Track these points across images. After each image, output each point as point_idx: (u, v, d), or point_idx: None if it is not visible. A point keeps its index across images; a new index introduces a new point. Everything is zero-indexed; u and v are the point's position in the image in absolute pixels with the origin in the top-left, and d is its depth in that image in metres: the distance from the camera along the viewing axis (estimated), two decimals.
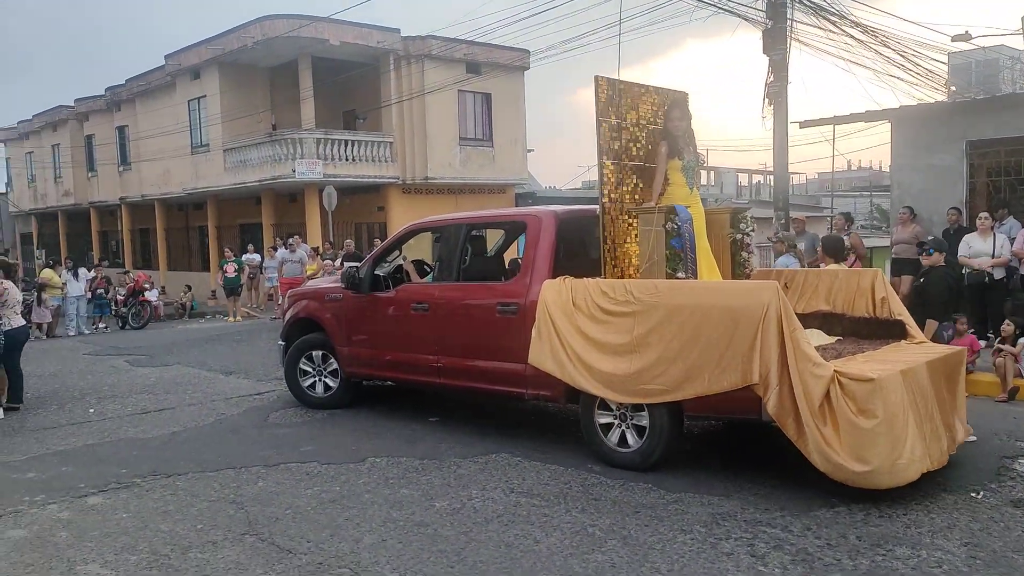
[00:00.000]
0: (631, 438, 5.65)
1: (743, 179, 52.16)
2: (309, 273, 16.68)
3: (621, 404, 5.61)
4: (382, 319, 7.36)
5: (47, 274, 17.93)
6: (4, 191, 39.89)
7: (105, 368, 11.57)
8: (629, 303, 5.47)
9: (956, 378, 5.60)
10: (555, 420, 7.33)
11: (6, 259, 9.69)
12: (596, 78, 6.21)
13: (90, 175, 33.66)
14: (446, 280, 7.05)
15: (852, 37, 15.52)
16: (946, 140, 11.16)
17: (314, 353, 7.95)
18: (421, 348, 6.96)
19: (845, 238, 10.20)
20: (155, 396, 9.06)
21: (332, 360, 7.83)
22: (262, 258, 20.41)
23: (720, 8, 13.94)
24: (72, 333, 17.51)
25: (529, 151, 27.57)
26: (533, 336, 5.91)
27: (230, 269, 19.44)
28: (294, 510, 5.05)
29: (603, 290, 5.66)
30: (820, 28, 14.86)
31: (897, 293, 6.78)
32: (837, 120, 12.90)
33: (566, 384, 5.80)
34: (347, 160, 22.41)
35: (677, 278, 5.79)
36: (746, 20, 13.78)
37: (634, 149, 6.49)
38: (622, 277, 6.16)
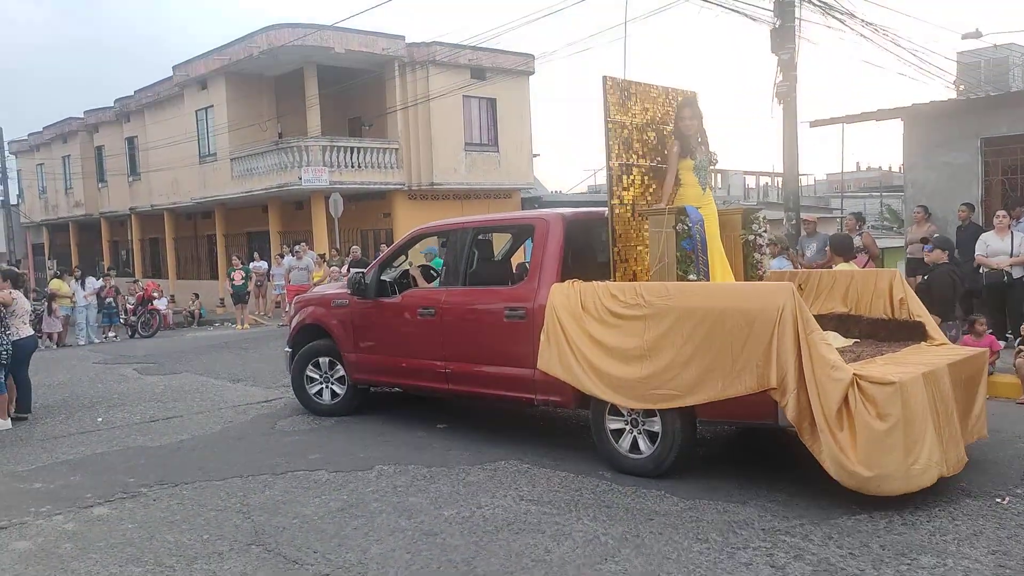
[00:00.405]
0: (643, 444, 5.53)
1: (751, 181, 51.92)
2: (316, 280, 16.65)
3: (632, 409, 5.49)
4: (389, 325, 7.27)
5: (56, 284, 17.97)
6: (16, 202, 40.12)
7: (114, 377, 11.52)
8: (640, 306, 5.35)
9: (978, 381, 5.46)
10: (565, 426, 7.22)
11: (15, 269, 9.65)
12: (604, 78, 6.11)
13: (100, 186, 33.82)
14: (453, 285, 6.96)
15: (861, 36, 15.43)
16: (960, 138, 11.01)
17: (321, 360, 7.87)
18: (428, 354, 6.87)
19: (857, 237, 10.07)
20: (163, 404, 9.00)
21: (339, 367, 7.74)
22: (269, 265, 20.40)
23: (728, 8, 13.84)
24: (82, 342, 17.52)
25: (535, 155, 27.51)
26: (542, 341, 5.80)
27: (237, 277, 19.47)
28: (301, 519, 4.96)
29: (613, 293, 5.54)
30: (829, 27, 14.77)
31: None
32: (848, 119, 12.77)
33: (576, 389, 5.69)
34: (353, 167, 22.40)
35: (688, 280, 5.67)
36: (753, 20, 13.68)
37: (644, 150, 6.38)
38: (632, 280, 6.05)
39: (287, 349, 8.28)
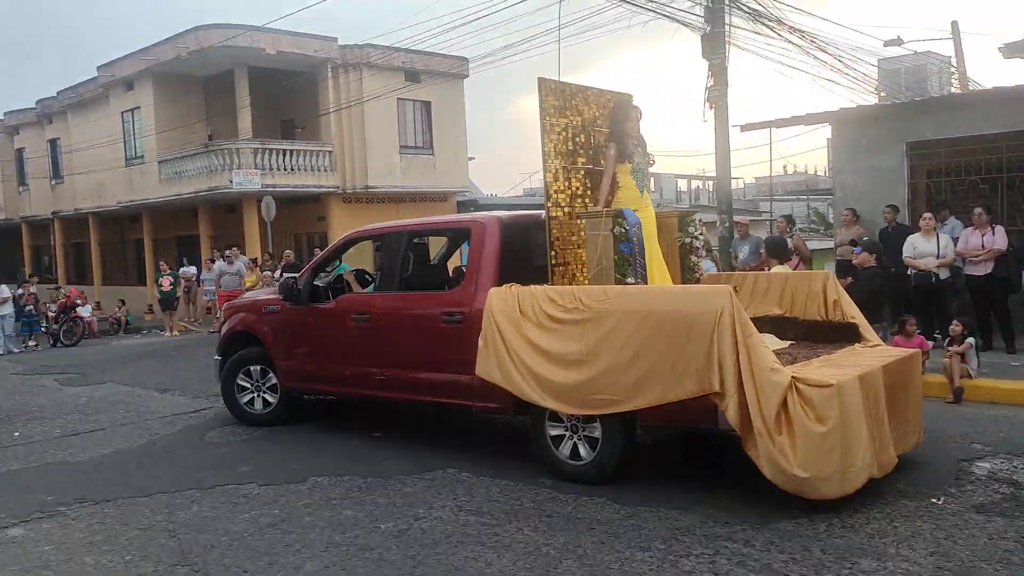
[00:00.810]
0: (583, 450, 5.45)
1: (683, 184, 52.78)
2: (248, 285, 16.23)
3: (572, 415, 5.40)
4: (322, 331, 7.05)
5: None
6: None
7: (33, 388, 11.01)
8: (578, 310, 5.27)
9: (913, 383, 5.53)
10: (504, 433, 7.10)
11: None
12: (540, 80, 6.02)
13: (21, 189, 32.50)
14: (388, 290, 6.79)
15: (789, 42, 15.77)
16: (886, 142, 11.28)
17: (252, 368, 7.60)
18: (363, 360, 6.68)
19: (788, 240, 10.22)
20: (85, 416, 8.59)
21: (271, 375, 7.49)
22: (199, 270, 19.87)
23: (659, 13, 13.97)
24: (0, 352, 16.71)
25: (470, 159, 27.40)
26: (480, 346, 5.67)
27: (165, 283, 18.93)
28: (230, 536, 4.73)
29: (551, 297, 5.45)
30: (758, 33, 15.06)
31: None
32: (778, 123, 13.00)
33: (515, 395, 5.57)
34: (285, 170, 21.94)
35: (627, 284, 5.62)
36: (684, 25, 13.85)
37: (581, 152, 6.31)
38: (571, 284, 5.96)
39: (217, 357, 7.98)
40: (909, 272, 9.65)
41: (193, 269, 20.12)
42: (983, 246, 9.28)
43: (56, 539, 4.83)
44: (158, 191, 23.52)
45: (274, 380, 7.46)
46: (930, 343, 8.59)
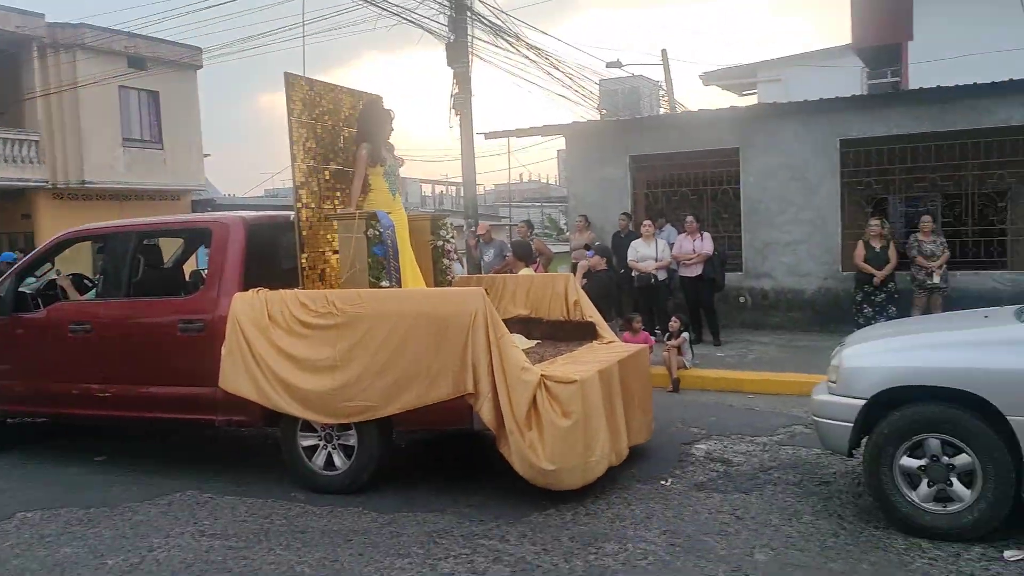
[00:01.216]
0: (338, 459, 5.29)
1: (427, 189, 53.60)
2: None
3: (326, 424, 5.23)
4: (31, 345, 6.22)
5: None
6: None
7: None
8: (331, 315, 5.11)
9: (644, 374, 6.03)
10: (252, 447, 6.71)
11: None
12: (287, 76, 5.76)
13: None
14: (113, 296, 6.13)
15: (527, 57, 16.62)
16: (612, 155, 12.24)
17: None
18: (82, 377, 5.97)
19: (529, 243, 10.72)
20: None
21: None
22: None
23: (404, 19, 14.07)
24: None
25: (206, 155, 25.69)
26: (224, 356, 5.30)
27: None
28: None
29: (302, 302, 5.23)
30: (498, 47, 15.71)
31: None
32: (518, 133, 13.60)
33: (263, 407, 5.28)
34: None
35: (381, 287, 5.55)
36: (429, 32, 14.07)
37: (330, 152, 6.13)
38: (322, 287, 5.77)
39: None
40: (633, 274, 10.53)
41: None
42: (694, 251, 10.36)
43: None
44: None
45: None
46: (652, 339, 9.43)
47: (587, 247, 10.64)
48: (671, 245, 10.66)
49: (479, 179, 14.49)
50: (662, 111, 20.23)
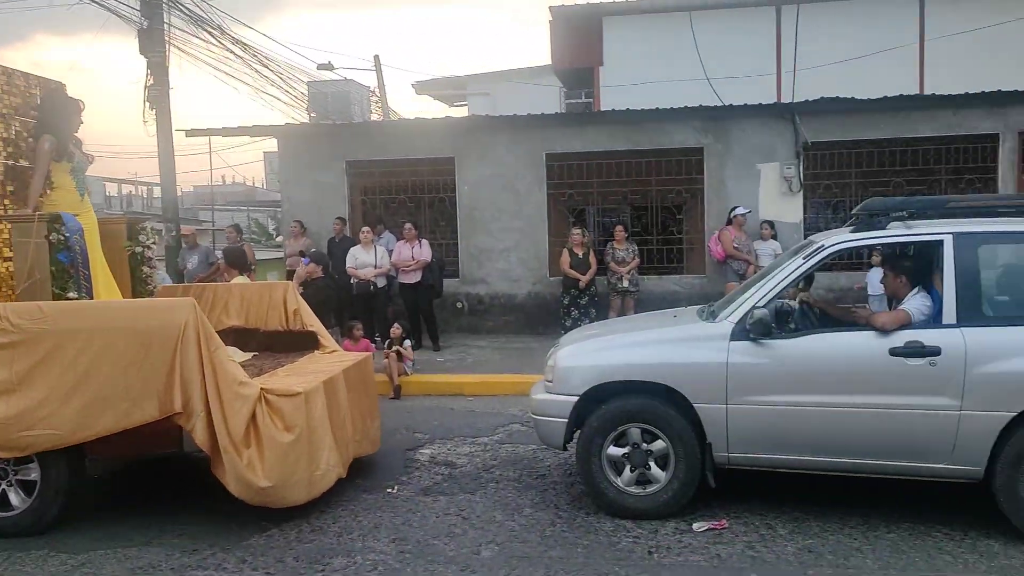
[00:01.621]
0: (16, 497, 4.58)
1: (112, 189, 48.63)
2: None
3: (1, 459, 4.50)
4: None
5: None
6: None
7: None
8: (6, 332, 4.41)
9: (369, 382, 5.94)
10: None
11: None
12: None
13: None
14: None
15: (231, 52, 15.76)
16: (328, 159, 12.00)
17: None
18: None
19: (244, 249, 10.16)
20: None
21: None
22: None
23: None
24: None
25: None
26: None
27: None
28: None
29: None
30: (199, 38, 14.72)
31: None
32: (225, 132, 12.83)
33: None
34: None
35: (68, 298, 4.91)
36: (119, 16, 12.82)
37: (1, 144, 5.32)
38: None
39: None
40: (352, 281, 10.40)
41: None
42: (413, 257, 10.48)
43: None
44: None
45: None
46: (373, 346, 9.37)
47: (302, 254, 10.32)
48: (390, 252, 10.68)
49: (177, 179, 13.40)
50: (374, 117, 20.28)
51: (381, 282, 10.38)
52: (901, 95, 10.72)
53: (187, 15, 14.02)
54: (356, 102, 19.99)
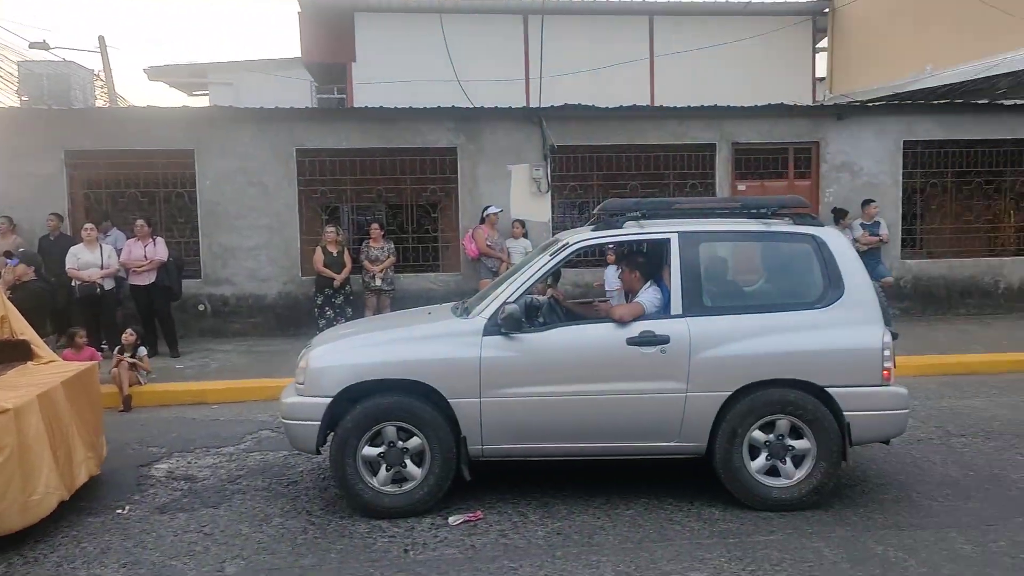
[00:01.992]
0: None
1: None
2: None
3: None
4: None
5: None
6: None
7: None
8: None
9: (93, 395, 5.33)
10: None
11: None
12: None
13: None
14: None
15: None
16: (44, 149, 10.67)
17: None
18: None
19: None
20: None
21: None
22: None
23: None
24: None
25: None
26: None
27: None
28: None
29: None
30: None
31: None
32: None
33: None
34: None
35: None
36: None
37: None
38: None
39: None
40: (73, 283, 9.35)
41: None
42: (146, 256, 9.61)
43: None
44: None
45: None
46: (100, 354, 8.48)
47: (9, 254, 9.10)
48: (119, 251, 9.73)
49: None
50: (100, 103, 18.42)
51: (108, 284, 9.42)
52: (634, 105, 11.65)
53: None
54: (78, 86, 18.10)
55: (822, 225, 5.05)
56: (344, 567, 3.98)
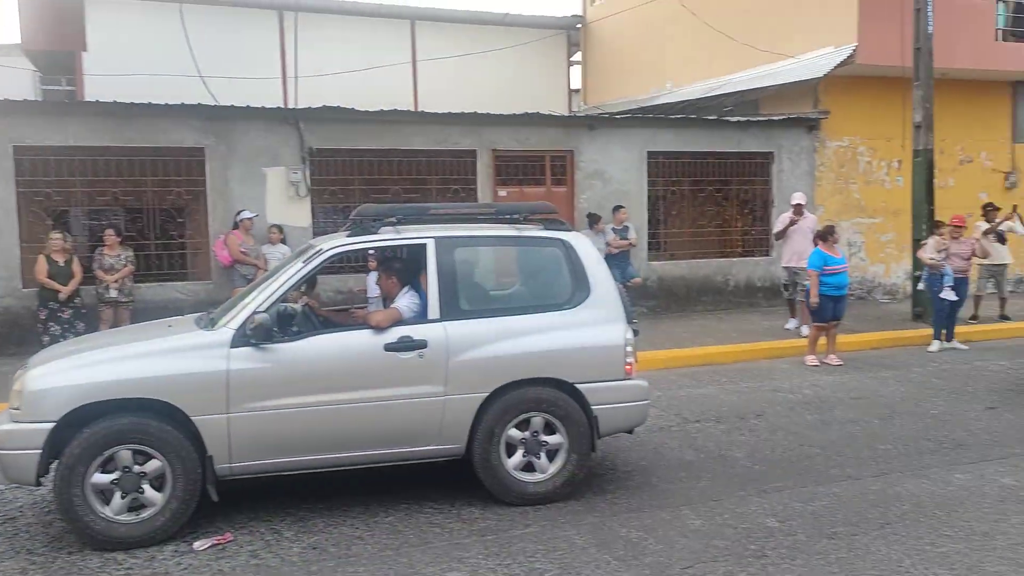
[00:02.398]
0: None
1: None
2: None
3: None
4: None
5: None
6: None
7: None
8: None
9: None
10: None
11: None
12: None
13: None
14: None
15: None
16: None
17: None
18: None
19: None
20: None
21: None
22: None
23: None
24: None
25: None
26: None
27: None
28: None
29: None
30: None
31: None
32: None
33: None
34: None
35: None
36: None
37: None
38: None
39: None
40: None
41: None
42: None
43: None
44: None
45: None
46: None
47: None
48: None
49: None
50: None
51: None
52: (396, 109, 11.59)
53: None
54: None
55: (570, 230, 5.31)
56: None
